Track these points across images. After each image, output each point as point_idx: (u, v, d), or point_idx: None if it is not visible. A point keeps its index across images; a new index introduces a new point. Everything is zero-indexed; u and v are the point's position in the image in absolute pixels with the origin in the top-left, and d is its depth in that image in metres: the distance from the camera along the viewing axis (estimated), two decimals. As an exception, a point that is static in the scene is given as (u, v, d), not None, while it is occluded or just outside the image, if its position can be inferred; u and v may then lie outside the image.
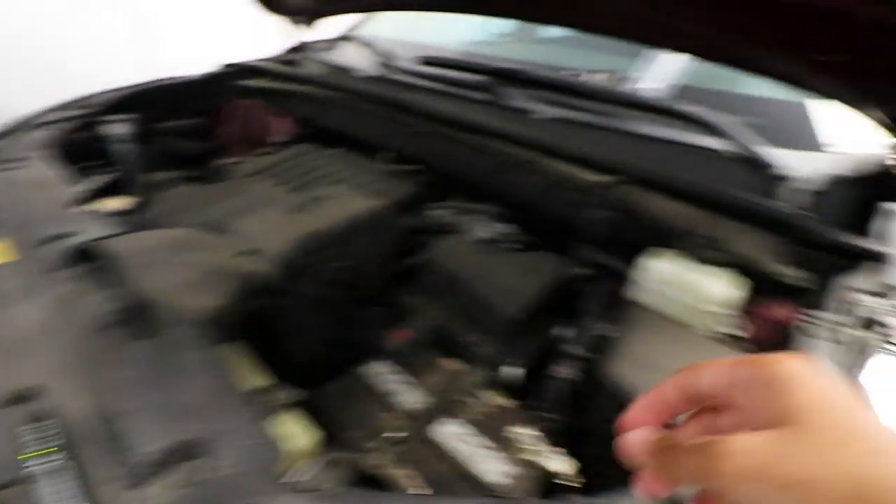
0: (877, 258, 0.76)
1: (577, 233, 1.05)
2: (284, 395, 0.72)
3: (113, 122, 1.41)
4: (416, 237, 1.15)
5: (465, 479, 0.69)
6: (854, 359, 0.65)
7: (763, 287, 0.82)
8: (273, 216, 0.82)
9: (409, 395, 0.81)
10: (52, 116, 1.32)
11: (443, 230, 1.19)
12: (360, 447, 0.72)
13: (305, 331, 0.85)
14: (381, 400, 0.80)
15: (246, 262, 0.73)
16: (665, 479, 0.28)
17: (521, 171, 1.12)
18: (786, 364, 0.26)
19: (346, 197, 0.85)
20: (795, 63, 0.89)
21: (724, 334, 0.80)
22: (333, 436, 0.73)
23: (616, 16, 1.07)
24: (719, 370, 0.28)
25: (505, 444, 0.74)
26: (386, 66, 1.60)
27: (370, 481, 0.67)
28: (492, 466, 0.70)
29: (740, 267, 0.82)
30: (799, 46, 0.85)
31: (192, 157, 1.59)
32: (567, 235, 1.07)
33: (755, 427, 0.25)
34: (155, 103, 1.56)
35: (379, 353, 0.87)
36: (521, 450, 0.73)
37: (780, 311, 0.83)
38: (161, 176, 1.50)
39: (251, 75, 1.72)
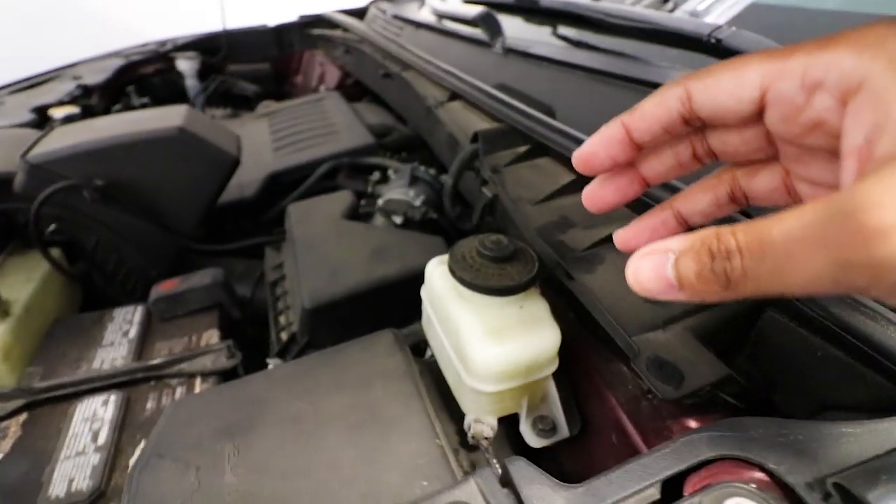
0: None
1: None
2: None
3: (182, 58, 1.58)
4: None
5: (36, 479, 0.50)
6: None
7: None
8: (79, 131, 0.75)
9: (116, 352, 0.64)
10: (132, 50, 1.55)
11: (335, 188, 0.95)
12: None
13: (98, 248, 0.77)
14: (92, 348, 0.66)
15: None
16: (724, 293, 0.17)
17: (433, 119, 0.79)
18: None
19: (149, 120, 0.72)
20: None
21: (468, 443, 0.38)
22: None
23: None
24: (760, 64, 0.19)
25: (120, 455, 0.51)
26: (434, 10, 1.38)
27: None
28: (68, 474, 0.49)
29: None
30: None
31: (245, 98, 1.68)
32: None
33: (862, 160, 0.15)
34: (229, 47, 1.69)
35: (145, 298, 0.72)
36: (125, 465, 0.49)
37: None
38: (213, 112, 1.65)
39: (321, 26, 1.72)
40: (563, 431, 0.41)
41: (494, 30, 0.95)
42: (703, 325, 0.39)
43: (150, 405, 0.58)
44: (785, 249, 0.15)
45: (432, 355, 0.58)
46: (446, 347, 0.42)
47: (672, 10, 0.84)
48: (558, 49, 0.78)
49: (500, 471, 0.25)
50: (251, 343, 0.82)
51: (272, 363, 0.65)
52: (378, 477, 0.34)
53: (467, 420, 0.41)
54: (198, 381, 0.61)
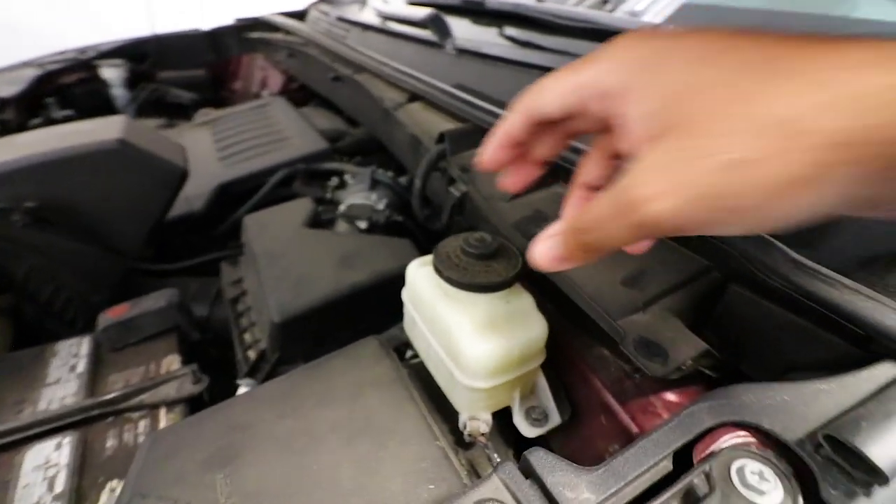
0: None
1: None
2: None
3: (106, 66, 1.47)
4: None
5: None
6: None
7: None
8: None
9: (65, 390, 0.59)
10: (47, 59, 1.42)
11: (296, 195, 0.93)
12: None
13: (31, 277, 0.69)
14: (36, 388, 0.59)
15: None
16: (589, 256, 0.24)
17: (392, 121, 0.78)
18: (630, 43, 0.22)
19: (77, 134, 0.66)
20: None
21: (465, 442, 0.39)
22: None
23: None
24: (561, 81, 0.25)
25: (83, 501, 0.47)
26: (379, 13, 1.36)
27: None
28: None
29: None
30: None
31: (181, 106, 1.59)
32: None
33: (640, 138, 0.21)
34: (159, 53, 1.59)
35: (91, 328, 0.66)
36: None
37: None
38: (148, 123, 1.54)
39: (259, 29, 1.66)
40: (556, 418, 0.42)
41: (443, 31, 0.95)
42: (676, 303, 0.41)
43: (110, 443, 0.53)
44: (606, 223, 0.22)
45: (412, 357, 0.58)
46: (435, 348, 0.42)
47: (612, 11, 0.89)
48: (511, 49, 0.80)
49: (500, 463, 0.25)
50: (215, 365, 0.78)
51: (243, 384, 0.62)
52: (381, 486, 0.34)
53: (462, 418, 0.42)
54: (162, 411, 0.57)
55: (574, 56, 0.72)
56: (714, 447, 0.24)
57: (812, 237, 0.37)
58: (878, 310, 0.30)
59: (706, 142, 0.18)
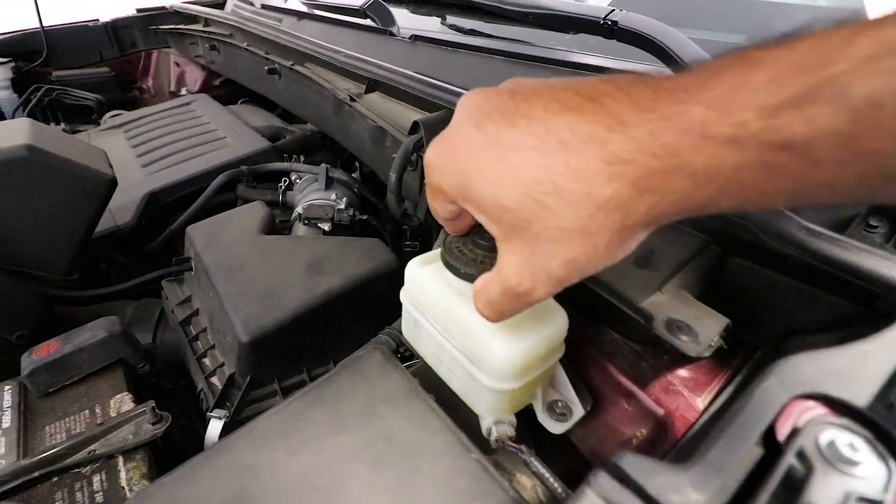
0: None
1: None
2: None
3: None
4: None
5: None
6: None
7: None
8: None
9: (-13, 453, 0.48)
10: None
11: (247, 199, 0.85)
12: None
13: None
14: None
15: None
16: (508, 316, 0.31)
17: (348, 114, 0.73)
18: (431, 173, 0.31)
19: None
20: None
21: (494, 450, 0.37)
22: None
23: None
24: (434, 204, 0.32)
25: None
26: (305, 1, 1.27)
27: None
28: None
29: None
30: None
31: (84, 109, 1.40)
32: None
33: (497, 235, 0.28)
34: (52, 49, 1.38)
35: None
36: None
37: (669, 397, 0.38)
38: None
39: (170, 20, 1.49)
40: (579, 410, 0.41)
41: (386, 18, 0.91)
42: (685, 280, 0.41)
43: (59, 508, 0.45)
44: (508, 305, 0.29)
45: (406, 361, 0.54)
46: (449, 352, 0.39)
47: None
48: (469, 36, 0.77)
49: (592, 474, 0.23)
50: (169, 398, 0.69)
51: (215, 416, 0.55)
52: (423, 513, 0.30)
53: (486, 423, 0.39)
54: (120, 460, 0.49)
55: (523, 42, 0.71)
56: (794, 423, 0.24)
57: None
58: (892, 268, 0.31)
59: (547, 248, 0.26)
